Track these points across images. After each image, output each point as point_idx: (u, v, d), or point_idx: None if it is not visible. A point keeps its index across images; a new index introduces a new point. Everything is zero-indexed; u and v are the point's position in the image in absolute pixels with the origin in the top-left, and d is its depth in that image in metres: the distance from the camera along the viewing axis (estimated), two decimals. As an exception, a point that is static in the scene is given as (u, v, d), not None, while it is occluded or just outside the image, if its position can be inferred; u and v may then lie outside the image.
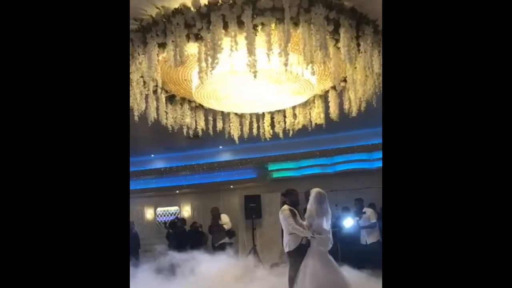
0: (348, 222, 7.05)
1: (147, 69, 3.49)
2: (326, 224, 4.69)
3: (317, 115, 4.90)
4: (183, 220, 10.17)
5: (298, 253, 4.67)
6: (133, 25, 3.53)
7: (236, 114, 5.06)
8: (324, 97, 4.81)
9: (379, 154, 9.20)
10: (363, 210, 7.19)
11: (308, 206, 4.80)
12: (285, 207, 4.87)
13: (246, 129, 5.17)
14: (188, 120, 4.83)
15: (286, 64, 3.22)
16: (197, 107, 4.89)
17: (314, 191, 4.78)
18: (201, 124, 4.97)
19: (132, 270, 4.79)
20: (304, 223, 4.72)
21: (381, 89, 3.70)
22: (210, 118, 5.01)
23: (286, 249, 4.81)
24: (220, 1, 3.22)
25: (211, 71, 3.26)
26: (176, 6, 3.35)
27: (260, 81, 3.63)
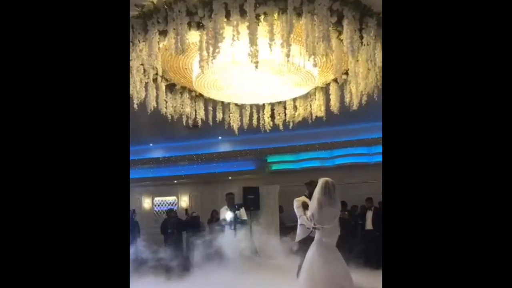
0: (228, 215, 7.38)
1: (148, 56, 3.47)
2: (334, 215, 4.60)
3: (317, 108, 4.88)
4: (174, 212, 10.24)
5: (308, 244, 4.68)
6: (134, 12, 3.49)
7: (236, 104, 5.02)
8: (325, 89, 4.78)
9: (379, 148, 9.20)
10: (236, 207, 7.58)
11: (314, 196, 4.71)
12: (300, 198, 4.90)
13: (246, 120, 5.14)
14: (187, 109, 4.81)
15: (288, 55, 3.20)
16: (197, 97, 4.86)
17: (321, 181, 4.60)
18: (201, 114, 4.95)
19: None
20: (308, 214, 4.65)
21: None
22: (210, 108, 4.98)
23: (296, 239, 4.84)
24: (222, -11, 3.19)
25: (212, 60, 3.23)
26: (178, -7, 3.31)
27: (261, 72, 3.60)
